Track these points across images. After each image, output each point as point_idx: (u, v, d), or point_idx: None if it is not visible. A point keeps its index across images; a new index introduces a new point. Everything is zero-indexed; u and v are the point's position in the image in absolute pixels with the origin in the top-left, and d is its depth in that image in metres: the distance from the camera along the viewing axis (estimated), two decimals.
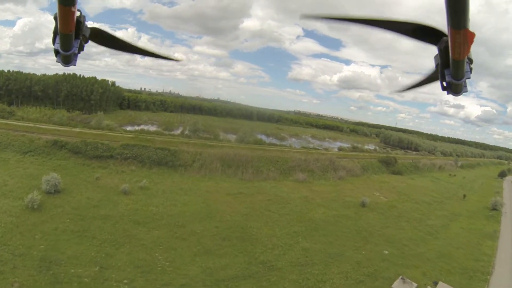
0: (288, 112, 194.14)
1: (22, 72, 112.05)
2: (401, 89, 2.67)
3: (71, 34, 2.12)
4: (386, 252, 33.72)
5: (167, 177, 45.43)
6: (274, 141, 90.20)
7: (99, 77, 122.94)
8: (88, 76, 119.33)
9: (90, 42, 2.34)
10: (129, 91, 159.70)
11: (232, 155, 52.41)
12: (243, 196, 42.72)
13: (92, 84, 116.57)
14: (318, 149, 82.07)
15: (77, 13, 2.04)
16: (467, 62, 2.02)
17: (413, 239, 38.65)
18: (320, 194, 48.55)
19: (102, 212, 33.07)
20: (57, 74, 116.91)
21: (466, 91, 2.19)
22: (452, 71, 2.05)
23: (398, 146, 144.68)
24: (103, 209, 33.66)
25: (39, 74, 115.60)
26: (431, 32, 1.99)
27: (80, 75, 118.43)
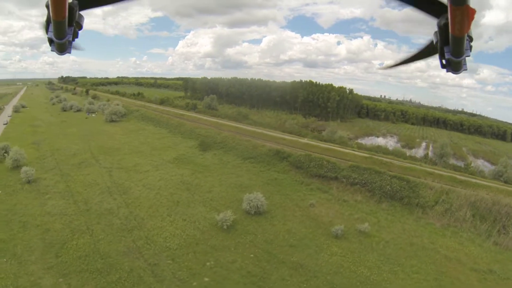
0: None
1: (262, 79, 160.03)
2: (391, 64, 3.18)
3: (64, 21, 2.51)
4: None
5: (398, 219, 40.14)
6: None
7: (337, 84, 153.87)
8: (325, 83, 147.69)
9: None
10: (368, 98, 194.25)
11: (489, 203, 43.32)
12: (494, 278, 32.50)
13: (328, 91, 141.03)
14: None
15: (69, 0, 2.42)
16: (467, 39, 2.46)
17: None
18: None
19: (295, 258, 29.62)
20: (294, 81, 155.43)
21: (466, 69, 2.69)
22: (451, 48, 2.52)
23: None
24: (299, 254, 30.54)
25: (279, 81, 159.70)
26: (434, 4, 2.46)
27: (316, 82, 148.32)
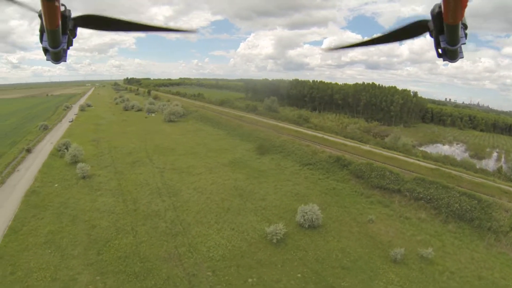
0: None
1: (324, 81, 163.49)
2: (340, 45, 3.12)
3: (58, 30, 2.62)
4: None
5: (466, 245, 35.51)
6: None
7: (400, 87, 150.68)
8: (388, 86, 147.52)
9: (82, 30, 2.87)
10: (433, 101, 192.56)
11: None
12: None
13: (392, 94, 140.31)
14: None
15: (62, 8, 2.50)
16: (461, 27, 2.56)
17: None
18: None
19: (346, 283, 27.15)
20: (357, 83, 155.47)
21: (462, 57, 2.82)
22: (446, 37, 2.64)
23: None
24: (352, 278, 28.03)
25: (341, 84, 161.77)
26: (421, 25, 2.65)
27: (379, 84, 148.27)
